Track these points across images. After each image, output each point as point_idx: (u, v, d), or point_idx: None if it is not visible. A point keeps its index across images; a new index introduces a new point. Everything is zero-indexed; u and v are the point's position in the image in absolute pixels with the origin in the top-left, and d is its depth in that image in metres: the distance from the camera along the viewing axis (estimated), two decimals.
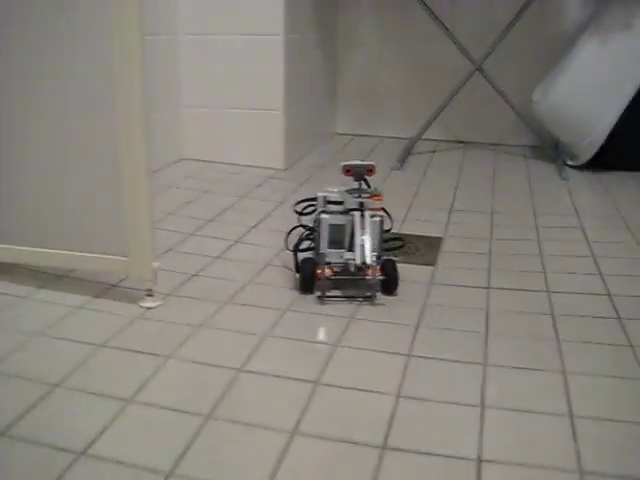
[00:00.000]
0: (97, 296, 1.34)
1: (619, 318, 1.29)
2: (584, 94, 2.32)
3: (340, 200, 1.39)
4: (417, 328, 1.24)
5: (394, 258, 1.45)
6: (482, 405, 1.00)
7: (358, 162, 1.40)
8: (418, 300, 1.36)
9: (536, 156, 2.64)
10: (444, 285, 1.44)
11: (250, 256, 1.58)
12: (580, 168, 2.42)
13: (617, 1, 2.35)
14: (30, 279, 1.40)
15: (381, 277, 1.34)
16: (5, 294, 1.34)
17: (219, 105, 2.38)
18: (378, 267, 1.34)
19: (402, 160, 2.49)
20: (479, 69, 2.53)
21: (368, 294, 1.35)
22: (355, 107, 3.02)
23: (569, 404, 1.00)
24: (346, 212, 1.38)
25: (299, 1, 2.38)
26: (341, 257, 1.38)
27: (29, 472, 0.86)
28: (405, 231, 1.74)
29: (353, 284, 1.37)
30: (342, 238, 1.38)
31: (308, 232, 1.47)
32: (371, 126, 3.01)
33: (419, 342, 1.19)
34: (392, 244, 1.51)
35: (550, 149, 2.56)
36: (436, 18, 2.52)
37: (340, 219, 1.38)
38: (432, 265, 1.55)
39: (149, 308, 1.30)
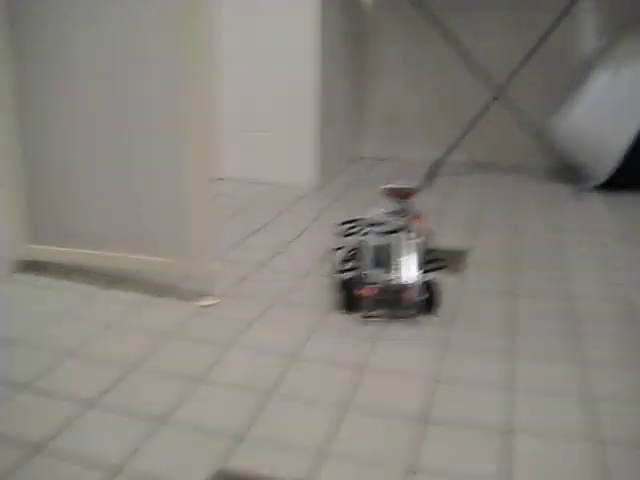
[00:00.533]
0: (160, 295, 1.49)
1: (635, 318, 1.41)
2: (599, 119, 2.46)
3: (383, 222, 1.45)
4: (450, 324, 1.38)
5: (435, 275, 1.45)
6: (511, 387, 1.13)
7: (401, 185, 1.48)
8: (450, 302, 1.48)
9: (555, 178, 2.76)
10: (473, 290, 1.57)
11: (292, 265, 1.72)
12: (597, 189, 2.54)
13: (629, 33, 2.50)
14: (98, 280, 1.55)
15: (423, 297, 1.40)
16: (77, 291, 1.50)
17: (257, 127, 2.55)
18: (420, 287, 1.40)
19: (428, 181, 2.64)
20: (500, 96, 2.68)
21: (410, 313, 1.40)
22: (381, 131, 3.17)
23: (590, 387, 1.13)
24: (389, 233, 1.44)
25: (332, 34, 2.55)
26: (384, 277, 1.42)
27: (118, 436, 1.00)
28: (434, 244, 1.87)
29: (395, 303, 1.43)
30: (385, 259, 1.43)
31: (351, 253, 1.50)
32: (395, 150, 3.15)
33: (452, 335, 1.33)
34: (434, 265, 1.57)
35: (568, 171, 2.68)
36: (459, 49, 2.68)
37: (383, 240, 1.43)
38: (461, 273, 1.68)
39: (208, 305, 1.44)
